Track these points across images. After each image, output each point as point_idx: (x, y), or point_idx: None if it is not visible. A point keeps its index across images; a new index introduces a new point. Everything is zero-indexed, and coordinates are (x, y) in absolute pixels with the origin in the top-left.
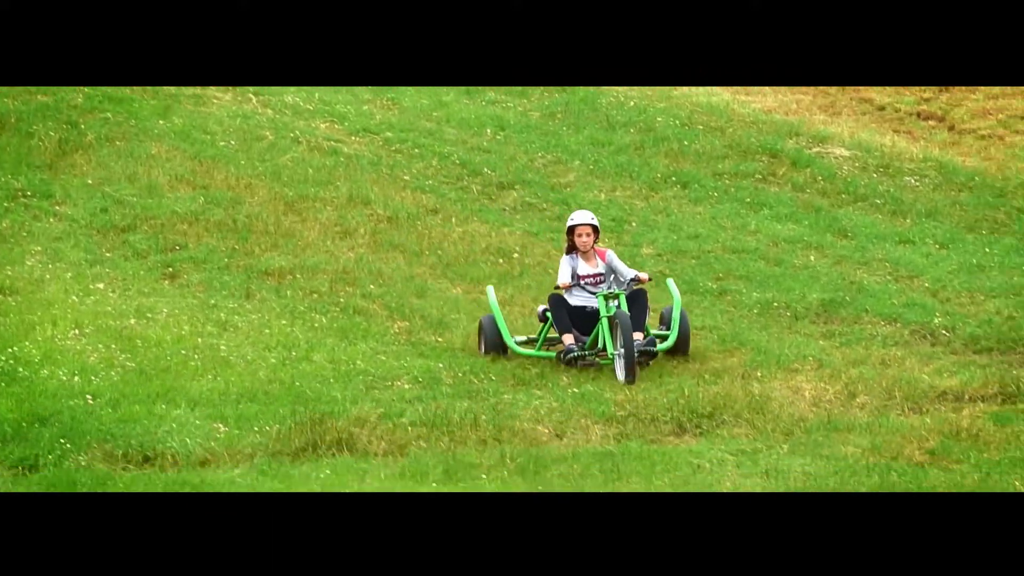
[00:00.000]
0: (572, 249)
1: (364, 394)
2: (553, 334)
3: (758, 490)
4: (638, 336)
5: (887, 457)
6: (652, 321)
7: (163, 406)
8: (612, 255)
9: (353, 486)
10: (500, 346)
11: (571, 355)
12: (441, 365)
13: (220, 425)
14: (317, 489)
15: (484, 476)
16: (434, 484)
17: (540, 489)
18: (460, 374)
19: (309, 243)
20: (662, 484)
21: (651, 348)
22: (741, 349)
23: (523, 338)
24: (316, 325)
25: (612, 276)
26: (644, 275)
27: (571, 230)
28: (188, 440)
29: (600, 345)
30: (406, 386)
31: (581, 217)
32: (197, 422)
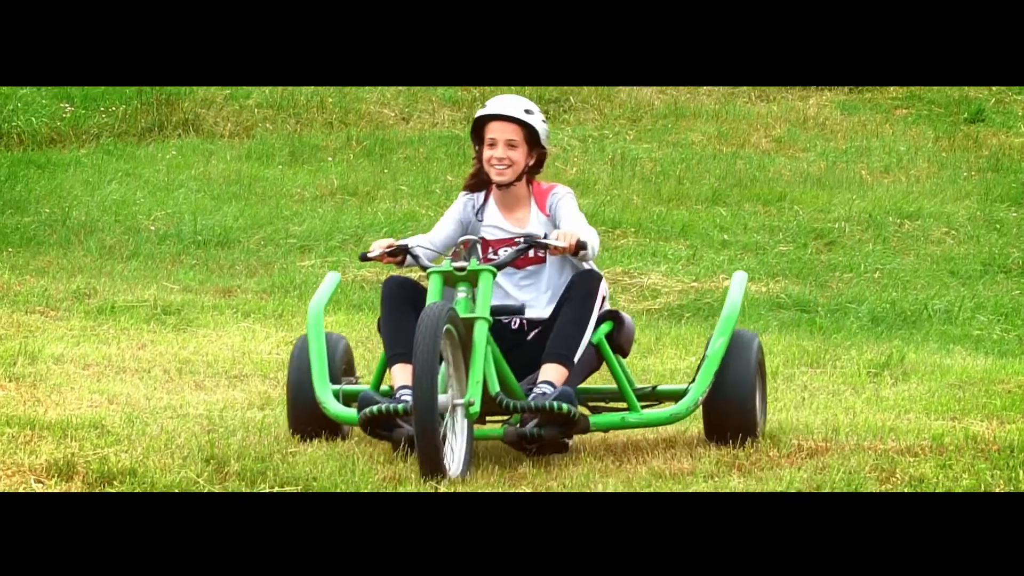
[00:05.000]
0: (481, 181)
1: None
2: None
3: (604, 177)
4: (549, 375)
5: (734, 145)
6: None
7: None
8: (564, 198)
9: (200, 167)
10: (307, 403)
11: (372, 411)
12: None
13: (67, 104)
14: (163, 169)
15: (331, 159)
16: (280, 166)
17: (385, 172)
18: None
19: None
20: None
21: (550, 406)
22: None
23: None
24: None
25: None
26: (570, 236)
27: (479, 129)
28: (34, 119)
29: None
30: None
31: (499, 104)
32: (44, 101)
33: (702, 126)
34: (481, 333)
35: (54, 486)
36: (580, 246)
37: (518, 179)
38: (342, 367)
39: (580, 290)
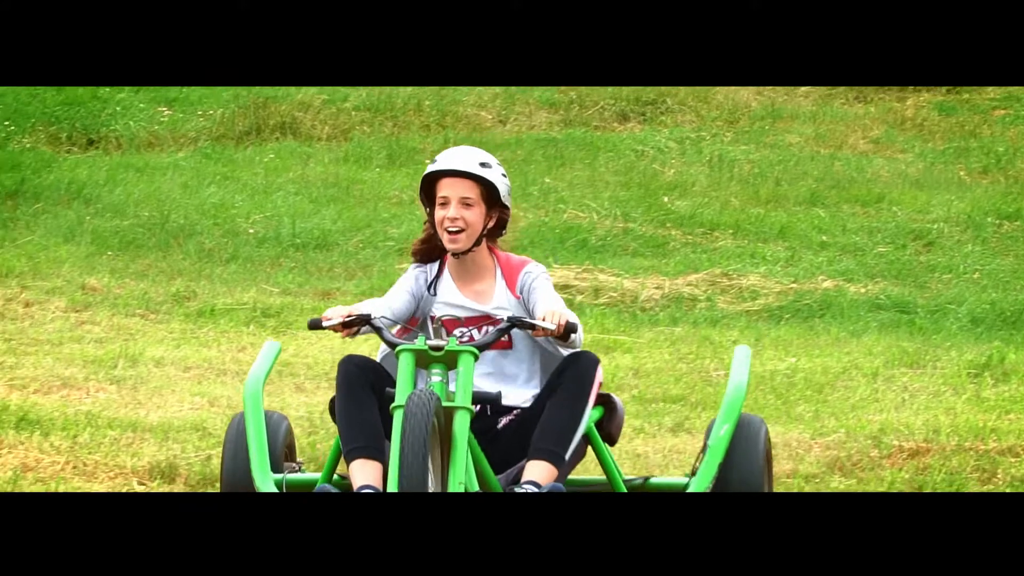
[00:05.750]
0: (433, 248)
1: None
2: None
3: (702, 179)
4: (535, 474)
5: (832, 146)
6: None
7: (107, 89)
8: (539, 278)
9: (297, 170)
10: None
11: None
12: None
13: (164, 108)
14: (261, 173)
15: (428, 161)
16: (378, 169)
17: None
18: None
19: None
20: (605, 171)
21: None
22: None
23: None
24: None
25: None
26: (558, 315)
27: (428, 188)
28: (132, 123)
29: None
30: None
31: (451, 158)
32: (141, 105)
33: (799, 127)
34: (463, 425)
35: (156, 488)
36: (569, 328)
37: (475, 244)
38: (283, 451)
39: (575, 376)
